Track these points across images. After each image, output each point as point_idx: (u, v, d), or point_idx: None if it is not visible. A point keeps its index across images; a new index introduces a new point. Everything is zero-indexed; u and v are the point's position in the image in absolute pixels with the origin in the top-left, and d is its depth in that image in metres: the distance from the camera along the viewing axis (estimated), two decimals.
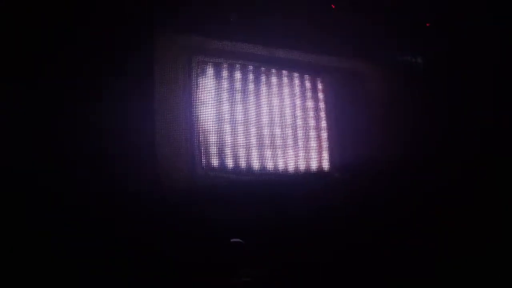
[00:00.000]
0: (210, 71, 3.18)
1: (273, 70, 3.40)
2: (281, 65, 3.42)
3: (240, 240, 2.80)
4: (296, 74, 3.49)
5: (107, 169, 2.67)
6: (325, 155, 3.50)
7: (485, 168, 3.33)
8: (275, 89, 3.39)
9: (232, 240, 2.79)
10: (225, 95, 3.19)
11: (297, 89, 3.47)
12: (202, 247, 2.79)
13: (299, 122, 3.45)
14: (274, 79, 3.40)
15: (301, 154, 3.41)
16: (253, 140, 3.25)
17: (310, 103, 3.52)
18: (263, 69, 3.36)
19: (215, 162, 3.12)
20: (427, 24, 3.54)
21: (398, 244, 3.15)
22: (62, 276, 2.44)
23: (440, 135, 3.49)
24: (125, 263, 2.58)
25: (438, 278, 2.98)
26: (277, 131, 3.35)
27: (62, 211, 2.51)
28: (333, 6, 3.33)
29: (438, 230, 3.21)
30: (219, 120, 3.14)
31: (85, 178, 2.61)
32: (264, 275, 2.77)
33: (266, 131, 3.30)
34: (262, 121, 3.29)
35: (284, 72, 3.45)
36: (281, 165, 3.32)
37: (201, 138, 3.08)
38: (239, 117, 3.21)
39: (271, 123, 3.33)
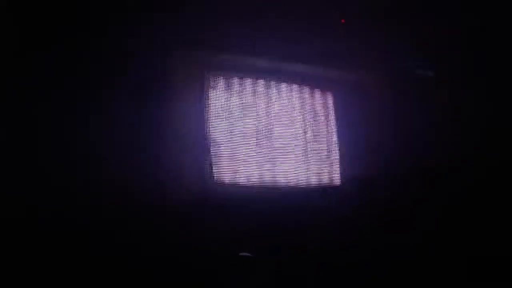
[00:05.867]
0: (221, 85, 3.22)
1: (284, 84, 3.42)
2: (292, 78, 3.44)
3: (250, 254, 2.78)
4: (306, 88, 3.50)
5: (117, 181, 2.69)
6: (336, 168, 3.47)
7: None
8: (286, 103, 3.40)
9: (241, 254, 2.77)
10: (236, 109, 3.22)
11: (308, 103, 3.48)
12: (211, 260, 2.77)
13: (310, 135, 3.44)
14: (284, 93, 3.41)
15: (312, 167, 3.39)
16: (264, 154, 3.25)
17: (321, 117, 3.52)
18: (274, 83, 3.38)
19: (226, 175, 3.12)
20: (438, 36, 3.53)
21: (410, 255, 3.09)
22: (62, 279, 2.44)
23: (453, 146, 3.43)
24: (132, 276, 2.57)
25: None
26: (288, 145, 3.34)
27: (62, 215, 2.52)
28: (343, 21, 3.35)
29: (452, 240, 3.14)
30: (230, 133, 3.16)
31: (93, 187, 2.63)
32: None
33: (277, 145, 3.30)
34: (272, 135, 3.30)
35: (295, 86, 3.47)
36: (292, 179, 3.31)
37: (212, 152, 3.09)
38: (250, 130, 3.23)
39: (282, 136, 3.33)
